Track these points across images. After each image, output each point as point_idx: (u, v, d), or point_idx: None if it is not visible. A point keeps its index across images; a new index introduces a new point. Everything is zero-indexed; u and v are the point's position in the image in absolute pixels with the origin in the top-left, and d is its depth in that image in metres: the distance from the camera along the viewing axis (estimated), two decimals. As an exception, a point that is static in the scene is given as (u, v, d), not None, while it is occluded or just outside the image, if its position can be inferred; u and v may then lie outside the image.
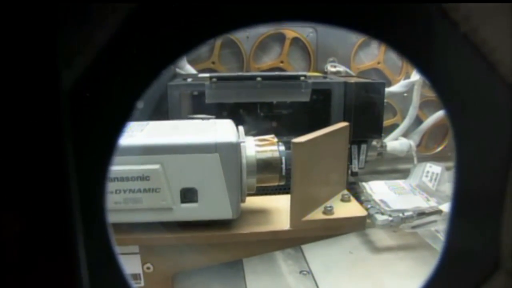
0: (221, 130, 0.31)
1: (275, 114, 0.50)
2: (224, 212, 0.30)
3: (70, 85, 0.10)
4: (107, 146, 0.11)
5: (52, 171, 0.10)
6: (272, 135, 0.33)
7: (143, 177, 0.28)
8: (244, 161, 0.30)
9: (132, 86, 0.11)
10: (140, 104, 0.11)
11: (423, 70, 0.11)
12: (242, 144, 0.30)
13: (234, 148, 0.29)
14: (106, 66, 0.10)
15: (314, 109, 0.50)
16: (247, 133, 0.35)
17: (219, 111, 0.48)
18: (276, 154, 0.31)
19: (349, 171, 0.50)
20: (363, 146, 0.49)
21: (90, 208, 0.11)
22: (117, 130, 0.11)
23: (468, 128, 0.11)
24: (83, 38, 0.09)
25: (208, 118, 0.36)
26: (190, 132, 0.31)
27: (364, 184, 0.55)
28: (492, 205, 0.11)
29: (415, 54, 0.11)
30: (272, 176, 0.31)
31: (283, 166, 0.31)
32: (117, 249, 0.12)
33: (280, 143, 0.32)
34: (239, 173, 0.30)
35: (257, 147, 0.31)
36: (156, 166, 0.28)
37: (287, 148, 0.32)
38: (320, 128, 0.34)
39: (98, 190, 0.11)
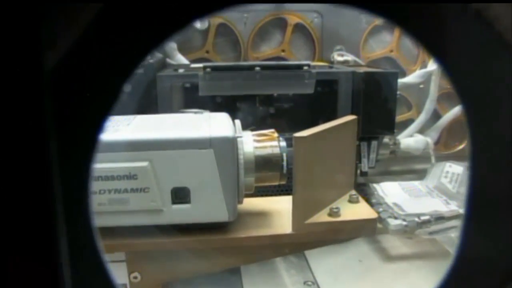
0: (216, 124, 0.31)
1: (276, 108, 0.51)
2: (219, 214, 0.30)
3: (52, 65, 0.10)
4: (92, 132, 0.11)
5: (34, 158, 0.10)
6: (272, 130, 0.34)
7: (130, 176, 0.29)
8: (241, 158, 0.30)
9: (117, 67, 0.11)
10: (127, 88, 0.11)
11: (435, 53, 0.12)
12: (239, 139, 0.31)
13: (230, 144, 0.29)
14: (90, 47, 0.11)
15: (319, 102, 0.50)
16: (244, 128, 0.35)
17: (214, 104, 0.49)
18: (277, 150, 0.32)
19: (358, 171, 0.50)
20: (374, 143, 0.50)
21: (73, 207, 0.11)
22: (103, 114, 0.11)
23: (485, 123, 0.11)
24: (67, 18, 0.10)
25: (202, 112, 0.37)
26: (182, 126, 0.31)
27: (375, 185, 0.55)
28: (510, 210, 0.11)
29: (428, 37, 0.11)
30: (272, 175, 0.32)
31: (284, 163, 0.32)
32: (105, 256, 0.13)
33: (281, 139, 0.33)
34: (236, 171, 0.30)
35: (256, 142, 0.32)
36: (145, 164, 0.29)
37: (289, 144, 0.33)
38: (325, 123, 0.34)
39: (83, 180, 0.12)
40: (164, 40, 0.11)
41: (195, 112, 0.36)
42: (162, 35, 0.11)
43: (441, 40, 0.11)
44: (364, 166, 0.50)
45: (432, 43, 0.12)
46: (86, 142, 0.11)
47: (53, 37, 0.10)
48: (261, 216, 0.35)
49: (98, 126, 0.11)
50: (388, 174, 0.62)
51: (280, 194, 0.45)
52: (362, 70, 0.49)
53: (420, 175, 0.60)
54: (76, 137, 0.11)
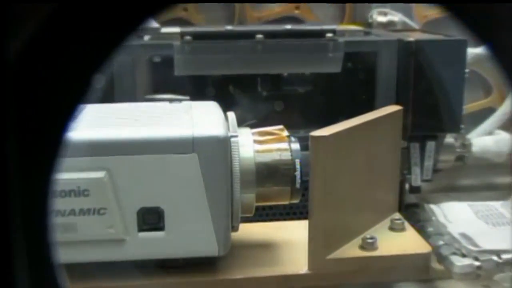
0: (201, 118, 0.35)
1: (286, 94, 0.54)
2: (205, 246, 0.33)
3: (15, 55, 0.13)
4: (57, 131, 0.14)
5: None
6: (281, 126, 0.37)
7: (79, 191, 0.32)
8: (236, 166, 0.34)
9: (86, 56, 0.14)
10: (99, 81, 0.15)
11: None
12: (233, 140, 0.34)
13: (221, 146, 0.33)
14: (55, 34, 0.14)
15: (348, 86, 0.53)
16: (241, 122, 0.39)
17: (197, 88, 0.52)
18: (287, 156, 0.35)
19: (407, 185, 0.53)
20: (431, 145, 0.53)
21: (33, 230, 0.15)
22: (69, 110, 0.14)
23: None
24: (32, 5, 0.13)
25: (180, 100, 0.40)
26: (152, 120, 0.35)
27: (433, 207, 0.58)
28: None
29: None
30: (280, 190, 0.35)
31: (298, 174, 0.35)
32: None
33: (292, 139, 0.36)
34: (229, 185, 0.33)
35: (258, 144, 0.35)
36: (100, 174, 0.32)
37: (304, 147, 0.36)
38: (357, 115, 0.37)
39: (44, 191, 0.15)
40: (138, 25, 0.14)
41: (170, 100, 0.40)
42: (136, 19, 0.14)
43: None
44: (416, 178, 0.53)
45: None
46: (50, 146, 0.14)
47: (16, 26, 0.13)
48: (264, 249, 0.38)
49: (63, 129, 0.14)
50: (454, 191, 0.64)
51: (291, 218, 0.48)
52: (414, 37, 0.51)
53: (503, 192, 0.63)
54: (39, 139, 0.14)
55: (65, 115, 0.14)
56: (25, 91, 0.14)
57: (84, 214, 0.32)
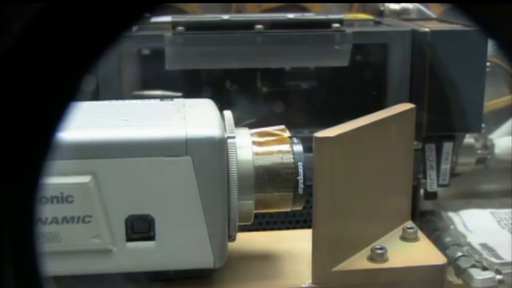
0: (195, 118, 0.35)
1: (288, 90, 0.55)
2: (199, 257, 0.34)
3: (4, 54, 0.14)
4: (46, 133, 0.15)
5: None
6: (282, 127, 0.38)
7: (62, 198, 0.33)
8: (234, 170, 0.35)
9: (77, 56, 0.15)
10: (89, 85, 0.16)
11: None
12: (230, 141, 0.35)
13: (217, 148, 0.34)
14: (44, 33, 0.15)
15: (357, 81, 0.54)
16: (239, 122, 0.40)
17: (190, 84, 0.53)
18: (289, 159, 0.36)
19: (421, 191, 0.54)
20: (448, 146, 0.54)
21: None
22: (59, 111, 0.15)
23: None
24: (21, 4, 0.14)
25: (172, 97, 0.41)
26: (141, 120, 0.36)
27: (450, 214, 0.59)
28: None
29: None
30: (282, 196, 0.36)
31: (301, 178, 0.36)
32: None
33: (295, 140, 0.37)
34: (226, 191, 0.34)
35: (257, 146, 0.36)
36: (85, 179, 0.33)
37: (308, 148, 0.37)
38: (366, 114, 0.38)
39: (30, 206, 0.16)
40: (131, 23, 0.15)
41: (161, 98, 0.41)
42: (130, 17, 0.15)
43: None
44: (432, 183, 0.54)
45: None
46: (38, 148, 0.15)
47: (4, 24, 0.14)
48: (264, 260, 0.39)
49: (51, 134, 0.15)
50: (474, 197, 0.65)
51: (293, 227, 0.49)
52: (430, 26, 0.52)
53: (529, 198, 0.63)
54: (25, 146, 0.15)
55: (55, 115, 0.15)
56: (12, 91, 0.15)
57: (68, 222, 0.33)
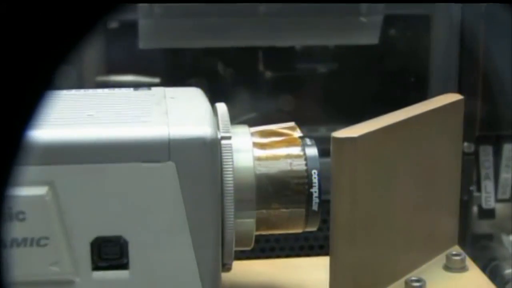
0: (179, 112, 0.37)
1: (299, 75, 0.56)
2: (185, 291, 0.36)
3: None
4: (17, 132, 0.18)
5: None
6: (291, 124, 0.40)
7: (11, 214, 0.34)
8: (229, 179, 0.36)
9: (48, 47, 0.18)
10: (67, 71, 0.18)
11: None
12: (225, 143, 0.37)
13: (207, 152, 0.35)
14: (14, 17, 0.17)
15: (390, 64, 0.55)
16: (236, 117, 0.41)
17: (172, 68, 0.54)
18: (300, 166, 0.38)
19: (474, 208, 0.56)
20: (509, 149, 0.56)
21: None
22: (31, 107, 0.18)
23: None
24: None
25: (149, 85, 0.43)
26: (110, 116, 0.37)
27: (513, 239, 0.61)
28: None
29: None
30: (291, 214, 0.38)
31: (315, 191, 0.38)
32: None
33: (308, 141, 0.39)
34: (219, 206, 0.36)
35: (259, 148, 0.38)
36: (40, 191, 0.34)
37: (325, 151, 0.39)
38: (401, 107, 0.40)
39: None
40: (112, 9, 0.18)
41: (135, 87, 0.42)
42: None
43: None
44: (488, 197, 0.56)
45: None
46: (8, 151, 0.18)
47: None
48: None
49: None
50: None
51: (306, 254, 0.50)
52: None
53: None
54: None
55: (28, 111, 0.18)
56: None
57: (19, 246, 0.34)
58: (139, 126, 0.36)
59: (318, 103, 0.57)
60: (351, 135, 0.36)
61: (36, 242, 0.35)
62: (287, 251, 0.50)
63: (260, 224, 0.38)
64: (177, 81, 0.45)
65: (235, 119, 0.39)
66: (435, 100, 0.42)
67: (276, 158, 0.38)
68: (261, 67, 0.55)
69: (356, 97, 0.57)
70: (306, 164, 0.38)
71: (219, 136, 0.36)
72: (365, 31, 0.51)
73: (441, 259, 0.42)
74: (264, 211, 0.38)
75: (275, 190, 0.38)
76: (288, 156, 0.38)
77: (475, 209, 0.57)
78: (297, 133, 0.39)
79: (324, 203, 0.37)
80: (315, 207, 0.38)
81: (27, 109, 0.18)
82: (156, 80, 0.47)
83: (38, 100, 0.18)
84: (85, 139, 0.35)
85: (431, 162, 0.41)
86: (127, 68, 0.51)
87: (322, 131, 0.51)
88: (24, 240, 0.35)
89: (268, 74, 0.55)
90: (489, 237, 0.59)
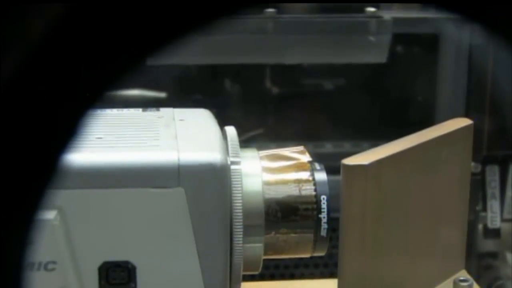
0: (189, 136, 0.38)
1: (306, 92, 0.56)
2: (193, 315, 0.36)
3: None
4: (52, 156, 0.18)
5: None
6: (301, 148, 0.40)
7: (19, 239, 0.35)
8: (238, 205, 0.37)
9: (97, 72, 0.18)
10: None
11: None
12: (234, 169, 0.37)
13: (217, 177, 0.36)
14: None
15: (397, 83, 0.56)
16: (242, 133, 0.41)
17: (177, 84, 0.55)
18: (309, 190, 0.38)
19: (479, 227, 0.56)
20: (516, 169, 0.56)
21: None
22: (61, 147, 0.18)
23: None
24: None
25: (156, 103, 0.43)
26: (120, 140, 0.38)
27: (518, 258, 0.61)
28: None
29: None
30: (299, 239, 0.38)
31: (324, 216, 0.38)
32: None
33: (317, 166, 0.39)
34: (228, 232, 0.36)
35: (268, 173, 0.38)
36: (48, 215, 0.34)
37: (332, 169, 0.39)
38: (408, 130, 0.40)
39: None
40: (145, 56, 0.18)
41: (144, 108, 0.43)
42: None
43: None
44: (494, 217, 0.56)
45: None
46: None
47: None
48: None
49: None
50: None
51: (313, 276, 0.50)
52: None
53: None
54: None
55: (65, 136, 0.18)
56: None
57: (27, 270, 0.35)
58: (148, 150, 0.36)
59: (325, 119, 0.57)
60: (361, 163, 0.37)
61: (44, 266, 0.35)
62: (296, 274, 0.50)
63: (268, 248, 0.38)
64: (182, 97, 0.45)
65: (240, 135, 0.40)
66: (445, 125, 0.42)
67: (285, 182, 0.38)
68: (268, 83, 0.56)
69: (362, 115, 0.57)
70: (315, 189, 0.38)
71: (228, 162, 0.37)
72: (373, 49, 0.51)
73: (447, 284, 0.42)
74: (272, 235, 0.38)
75: (284, 215, 0.38)
76: (297, 181, 0.38)
77: (480, 228, 0.57)
78: (306, 158, 0.39)
79: (333, 229, 0.38)
80: (323, 232, 0.38)
81: (61, 133, 0.18)
82: (163, 95, 0.47)
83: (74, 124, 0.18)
84: (94, 164, 0.36)
85: (439, 186, 0.42)
86: (134, 83, 0.51)
87: (328, 147, 0.51)
88: (32, 264, 0.35)
89: (275, 89, 0.56)
90: (494, 255, 0.59)
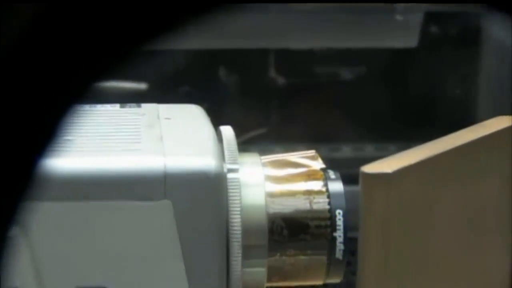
0: (177, 138, 0.39)
1: (318, 82, 0.57)
2: None
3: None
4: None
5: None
6: (312, 152, 0.41)
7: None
8: (236, 221, 0.37)
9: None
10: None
11: None
12: (231, 177, 0.38)
13: (211, 188, 0.37)
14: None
15: (429, 73, 0.57)
16: (241, 133, 0.41)
17: (162, 73, 0.55)
18: (322, 204, 0.39)
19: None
20: None
21: None
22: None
23: None
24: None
25: (136, 97, 0.44)
26: (93, 142, 0.39)
27: None
28: None
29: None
30: (310, 262, 0.39)
31: (340, 235, 0.39)
32: None
33: (332, 174, 0.40)
34: (223, 253, 0.37)
35: (273, 183, 0.39)
36: (9, 233, 0.36)
37: (348, 177, 0.39)
38: (441, 130, 0.41)
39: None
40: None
41: (122, 104, 0.43)
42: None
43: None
44: None
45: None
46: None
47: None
48: None
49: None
50: None
51: None
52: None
53: None
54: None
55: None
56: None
57: None
58: (128, 156, 0.37)
59: (341, 117, 0.57)
60: (384, 171, 0.37)
61: (6, 293, 0.36)
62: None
63: (272, 273, 0.39)
64: (168, 89, 0.46)
65: (239, 135, 0.40)
66: (485, 125, 0.43)
67: (292, 194, 0.39)
68: (271, 71, 0.56)
69: (387, 111, 0.57)
70: (329, 203, 0.39)
71: (225, 169, 0.38)
72: (400, 32, 0.52)
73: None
74: (277, 258, 0.39)
75: (291, 233, 0.39)
76: (308, 193, 0.39)
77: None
78: (319, 164, 0.40)
79: (352, 248, 0.38)
80: (339, 254, 0.39)
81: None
82: (141, 85, 0.47)
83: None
84: (61, 172, 0.36)
85: (477, 200, 0.42)
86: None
87: (345, 151, 0.51)
88: (-10, 291, 0.36)
89: (280, 79, 0.56)
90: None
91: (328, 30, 0.53)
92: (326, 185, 0.40)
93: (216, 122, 0.42)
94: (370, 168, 0.38)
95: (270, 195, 0.39)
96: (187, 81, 0.56)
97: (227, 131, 0.41)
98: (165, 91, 0.43)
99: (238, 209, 0.38)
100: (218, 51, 0.55)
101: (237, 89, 0.56)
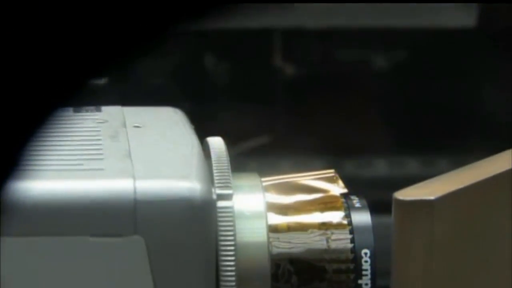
0: (149, 154, 0.41)
1: (340, 79, 0.59)
2: None
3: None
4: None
5: None
6: (330, 172, 0.43)
7: None
8: (229, 264, 0.39)
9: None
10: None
11: None
12: (222, 206, 0.40)
13: (195, 220, 0.39)
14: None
15: (488, 61, 0.58)
16: (234, 143, 0.42)
17: (131, 70, 0.58)
18: (343, 242, 0.41)
19: None
20: None
21: None
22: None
23: None
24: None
25: (97, 107, 0.46)
26: (41, 161, 0.40)
27: None
28: None
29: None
30: None
31: (367, 283, 0.40)
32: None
33: (356, 201, 0.42)
34: None
35: (277, 213, 0.41)
36: None
37: (378, 205, 0.42)
38: (503, 138, 0.42)
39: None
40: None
41: (76, 108, 0.45)
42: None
43: None
44: None
45: None
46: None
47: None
48: None
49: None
50: None
51: None
52: None
53: None
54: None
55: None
56: None
57: None
58: (86, 178, 0.39)
59: (371, 120, 0.58)
60: (425, 197, 0.39)
61: None
62: None
63: None
64: (138, 84, 0.48)
65: (234, 149, 0.44)
66: None
67: (304, 229, 0.41)
68: (277, 61, 0.56)
69: (434, 113, 0.59)
70: (352, 240, 0.41)
71: (213, 195, 0.40)
72: (455, 10, 0.52)
73: None
74: None
75: (302, 279, 0.41)
76: (324, 226, 0.41)
77: None
78: (339, 188, 0.42)
79: None
80: None
81: None
82: (104, 82, 0.50)
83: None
84: (17, 202, 0.37)
85: None
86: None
87: (377, 168, 0.53)
88: None
89: (289, 72, 0.56)
90: None
91: (354, 4, 0.54)
92: (348, 216, 0.41)
93: (202, 130, 0.43)
94: (406, 194, 0.39)
95: (274, 229, 0.41)
96: (161, 73, 0.56)
97: (216, 143, 0.42)
98: (131, 87, 0.44)
99: (232, 248, 0.40)
100: (203, 32, 0.56)
101: (230, 84, 0.57)
